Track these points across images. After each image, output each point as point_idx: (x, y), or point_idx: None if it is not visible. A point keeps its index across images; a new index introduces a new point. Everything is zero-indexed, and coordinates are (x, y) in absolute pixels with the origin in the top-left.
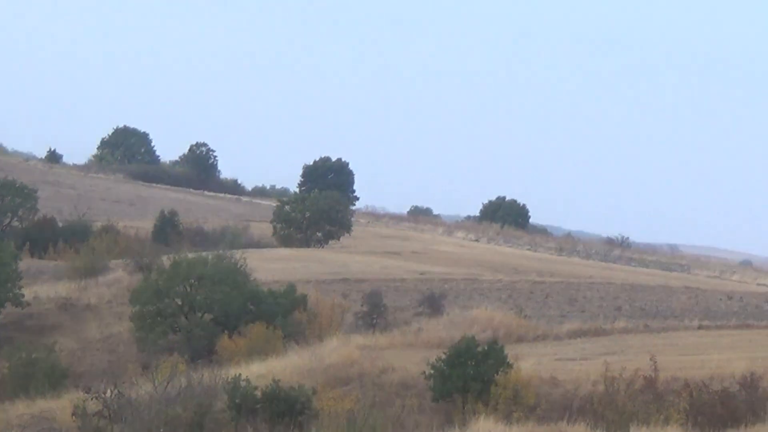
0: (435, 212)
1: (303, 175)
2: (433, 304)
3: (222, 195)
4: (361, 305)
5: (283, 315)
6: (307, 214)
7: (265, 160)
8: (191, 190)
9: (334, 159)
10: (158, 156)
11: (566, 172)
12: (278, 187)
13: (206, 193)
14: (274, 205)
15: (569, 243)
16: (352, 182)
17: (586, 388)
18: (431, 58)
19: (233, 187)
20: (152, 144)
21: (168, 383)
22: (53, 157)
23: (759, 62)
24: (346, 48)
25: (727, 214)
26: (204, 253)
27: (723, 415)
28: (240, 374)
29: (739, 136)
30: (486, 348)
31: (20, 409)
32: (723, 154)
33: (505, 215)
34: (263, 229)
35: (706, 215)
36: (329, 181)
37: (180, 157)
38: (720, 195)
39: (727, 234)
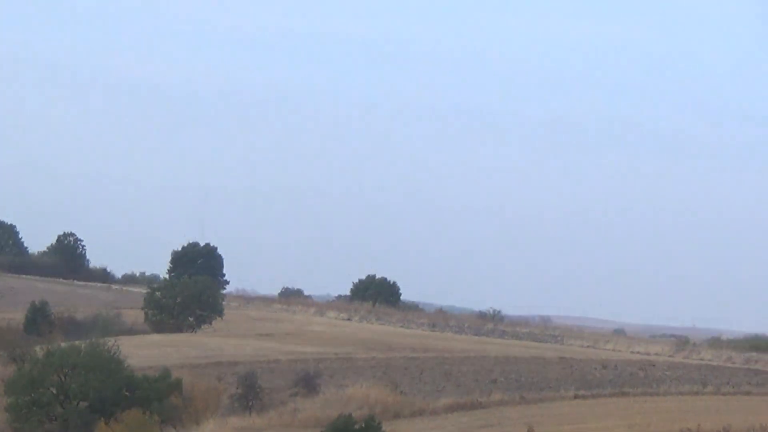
0: (306, 293)
1: (172, 261)
2: (308, 383)
3: (92, 284)
4: (237, 387)
5: (159, 400)
6: (178, 300)
7: (133, 247)
8: (61, 279)
9: (202, 244)
10: (26, 247)
11: (435, 248)
12: (148, 273)
13: (76, 282)
14: (145, 291)
15: (442, 318)
16: (222, 266)
17: None
18: (294, 135)
19: (103, 276)
20: (19, 235)
21: None
22: None
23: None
24: (205, 129)
25: (598, 284)
26: (77, 342)
27: None
28: None
29: (603, 205)
30: (363, 425)
31: None
32: (589, 224)
33: (376, 293)
34: (135, 315)
35: (577, 286)
36: (198, 266)
37: (48, 248)
38: (590, 265)
39: (599, 304)
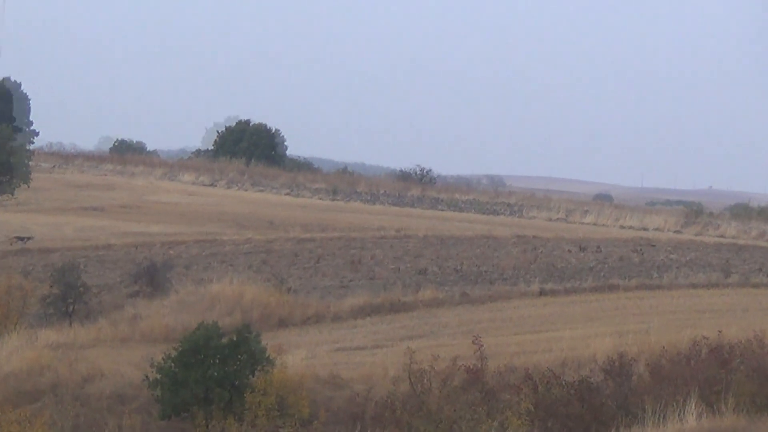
0: (149, 147)
1: None
2: (154, 279)
3: None
4: (51, 286)
5: None
6: None
7: None
8: None
9: None
10: None
11: (333, 84)
12: None
13: None
14: None
15: (347, 181)
16: (27, 111)
17: (383, 389)
18: None
19: None
20: None
21: None
22: None
23: None
24: None
25: (569, 131)
26: None
27: (583, 415)
28: None
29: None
30: (234, 338)
31: None
32: (557, 42)
33: (251, 147)
34: None
35: (539, 134)
36: None
37: None
38: (558, 105)
39: (573, 159)
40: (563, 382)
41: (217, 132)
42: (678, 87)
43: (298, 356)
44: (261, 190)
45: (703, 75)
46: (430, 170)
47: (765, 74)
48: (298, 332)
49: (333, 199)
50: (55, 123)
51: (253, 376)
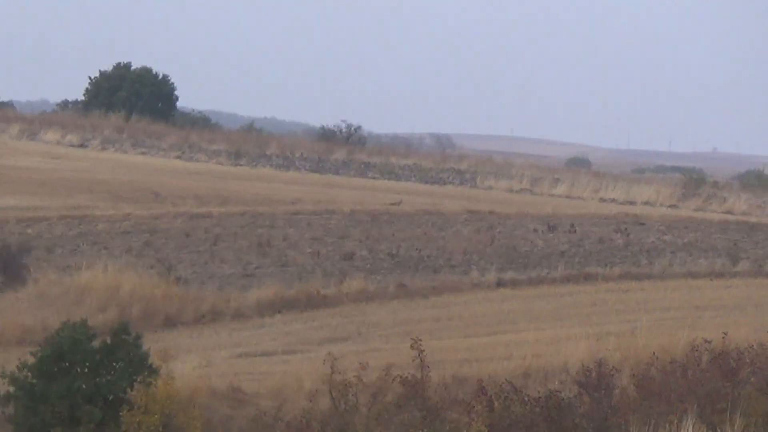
0: (3, 98)
1: None
2: (6, 265)
3: None
4: None
5: None
6: None
7: None
8: None
9: None
10: None
11: (235, 25)
12: None
13: None
14: None
15: (253, 142)
16: None
17: (297, 406)
18: None
19: None
20: None
21: None
22: None
23: None
24: None
25: (536, 80)
26: None
27: None
28: None
29: None
30: (108, 341)
31: None
32: None
33: (133, 97)
34: None
35: (498, 84)
36: None
37: None
38: (518, 54)
39: (541, 115)
40: (526, 398)
41: (89, 78)
42: (673, 27)
43: (190, 364)
44: (144, 153)
45: (703, 13)
46: (359, 128)
47: None
48: (190, 333)
49: (236, 165)
50: None
51: (132, 390)
